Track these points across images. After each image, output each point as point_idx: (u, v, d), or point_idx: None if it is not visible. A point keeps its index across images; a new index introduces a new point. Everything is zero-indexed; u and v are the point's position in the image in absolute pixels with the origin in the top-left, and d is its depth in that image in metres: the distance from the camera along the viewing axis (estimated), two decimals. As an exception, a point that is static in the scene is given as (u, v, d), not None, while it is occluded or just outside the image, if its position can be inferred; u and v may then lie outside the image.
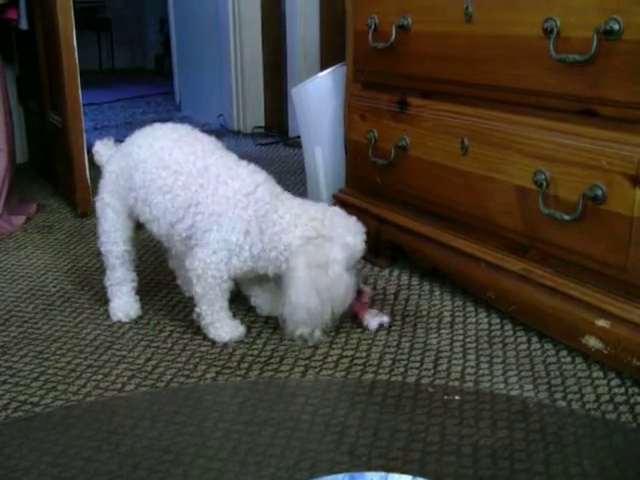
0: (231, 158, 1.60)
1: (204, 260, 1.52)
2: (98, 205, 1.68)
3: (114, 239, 1.67)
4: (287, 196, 1.57)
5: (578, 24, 1.35)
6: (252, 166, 1.59)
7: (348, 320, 1.65)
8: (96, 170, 1.78)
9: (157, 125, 1.68)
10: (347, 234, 1.52)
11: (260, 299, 1.70)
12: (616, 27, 1.28)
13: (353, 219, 1.57)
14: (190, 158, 1.55)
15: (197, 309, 1.58)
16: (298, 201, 1.57)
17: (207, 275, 1.53)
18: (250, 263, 1.53)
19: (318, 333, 1.54)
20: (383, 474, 1.08)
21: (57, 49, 2.43)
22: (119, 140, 1.78)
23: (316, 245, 1.49)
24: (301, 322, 1.51)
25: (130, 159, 1.61)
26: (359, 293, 1.63)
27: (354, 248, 1.53)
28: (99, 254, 1.73)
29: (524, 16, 1.47)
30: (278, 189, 1.58)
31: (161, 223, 1.58)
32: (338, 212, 1.57)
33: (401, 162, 1.88)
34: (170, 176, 1.55)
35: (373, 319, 1.64)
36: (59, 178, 2.83)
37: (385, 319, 1.64)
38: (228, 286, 1.57)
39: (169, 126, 1.67)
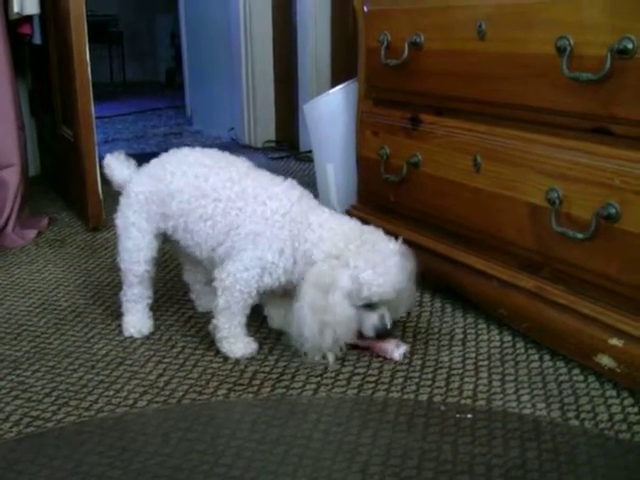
0: (266, 177, 1.60)
1: (234, 274, 1.53)
2: (120, 222, 1.67)
3: (136, 258, 1.66)
4: (321, 211, 1.55)
5: (591, 42, 1.36)
6: (287, 183, 1.59)
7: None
8: (109, 184, 1.78)
9: (186, 150, 1.67)
10: (366, 267, 1.45)
11: (273, 311, 1.71)
12: (630, 46, 1.28)
13: (389, 256, 1.48)
14: (227, 184, 1.55)
15: (215, 320, 1.58)
16: (336, 216, 1.56)
17: (234, 289, 1.53)
18: (283, 279, 1.53)
19: (331, 358, 1.54)
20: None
21: (70, 63, 2.44)
22: (130, 154, 1.77)
23: (328, 266, 1.47)
24: (297, 338, 1.50)
25: (162, 185, 1.61)
26: (379, 336, 1.55)
27: (365, 286, 1.46)
28: (118, 270, 1.72)
29: (537, 34, 1.47)
30: (313, 203, 1.57)
31: (203, 248, 1.59)
32: (376, 239, 1.51)
33: (413, 179, 1.88)
34: (210, 204, 1.55)
35: (396, 349, 1.56)
36: (71, 191, 2.84)
37: (403, 348, 1.57)
38: (252, 302, 1.57)
39: (199, 151, 1.67)
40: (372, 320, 1.52)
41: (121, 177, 1.71)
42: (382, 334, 1.54)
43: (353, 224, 1.55)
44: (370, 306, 1.51)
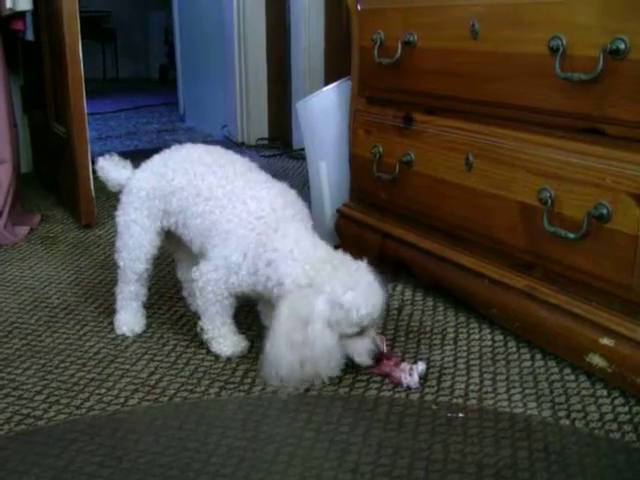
0: (259, 179, 1.58)
1: (205, 274, 1.53)
2: (121, 220, 1.67)
3: (137, 256, 1.66)
4: (304, 227, 1.51)
5: (584, 43, 1.36)
6: (278, 188, 1.56)
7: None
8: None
9: (189, 147, 1.67)
10: (345, 291, 1.39)
11: (266, 308, 1.70)
12: (622, 47, 1.28)
13: (364, 274, 1.42)
14: (222, 182, 1.54)
15: (200, 323, 1.59)
16: (309, 238, 1.49)
17: (207, 290, 1.53)
18: (249, 281, 1.51)
19: (288, 390, 1.43)
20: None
21: (63, 60, 2.44)
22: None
23: (302, 295, 1.40)
24: (270, 375, 1.42)
25: (164, 182, 1.61)
26: (382, 357, 1.48)
27: (353, 309, 1.39)
28: (116, 267, 1.71)
29: (530, 34, 1.47)
30: (299, 217, 1.52)
31: (196, 243, 1.59)
32: (346, 262, 1.45)
33: (406, 177, 1.88)
34: (202, 202, 1.55)
35: (412, 376, 1.45)
36: (63, 188, 2.83)
37: (420, 367, 1.47)
38: (230, 303, 1.56)
39: (202, 148, 1.65)
40: (366, 345, 1.45)
41: (119, 178, 1.71)
42: (379, 357, 1.47)
43: (325, 250, 1.48)
44: (358, 332, 1.43)
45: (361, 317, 1.40)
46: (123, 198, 1.68)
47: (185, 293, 1.83)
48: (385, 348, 1.51)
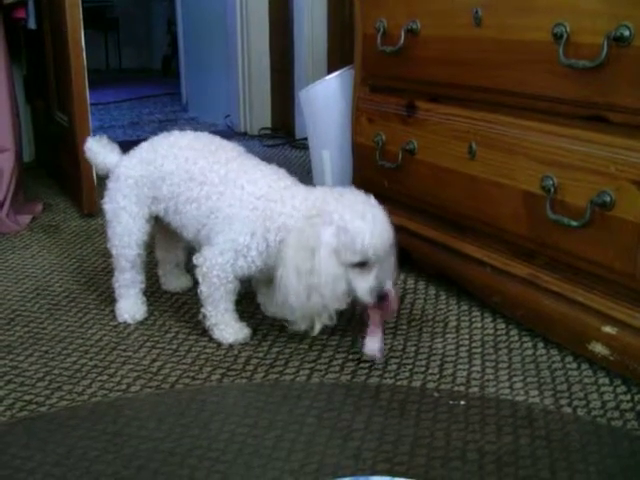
0: (251, 162, 1.59)
1: (210, 260, 1.53)
2: (109, 207, 1.67)
3: (127, 243, 1.66)
4: (296, 187, 1.52)
5: (588, 30, 1.35)
6: (270, 169, 1.58)
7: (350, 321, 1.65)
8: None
9: (178, 133, 1.67)
10: (354, 218, 1.39)
11: (266, 298, 1.70)
12: (626, 33, 1.27)
13: (373, 206, 1.42)
14: (214, 167, 1.55)
15: (203, 310, 1.58)
16: (309, 188, 1.52)
17: (212, 275, 1.53)
18: (258, 262, 1.51)
19: (318, 326, 1.45)
20: (388, 478, 1.09)
21: (65, 49, 2.43)
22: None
23: (310, 225, 1.41)
24: (285, 306, 1.44)
25: (153, 168, 1.61)
26: (380, 299, 1.44)
27: (359, 236, 1.38)
28: (109, 256, 1.72)
29: (534, 21, 1.47)
30: (290, 182, 1.55)
31: (189, 230, 1.59)
32: (354, 193, 1.45)
33: (408, 166, 1.88)
34: (196, 187, 1.55)
35: (372, 342, 1.47)
36: (65, 177, 2.83)
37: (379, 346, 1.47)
38: (234, 287, 1.56)
39: (191, 134, 1.66)
40: (368, 282, 1.42)
41: (106, 161, 1.71)
42: (382, 296, 1.43)
43: (327, 187, 1.53)
44: (362, 267, 1.41)
45: (365, 246, 1.39)
46: (110, 185, 1.68)
47: (160, 272, 1.86)
48: (396, 304, 1.52)
